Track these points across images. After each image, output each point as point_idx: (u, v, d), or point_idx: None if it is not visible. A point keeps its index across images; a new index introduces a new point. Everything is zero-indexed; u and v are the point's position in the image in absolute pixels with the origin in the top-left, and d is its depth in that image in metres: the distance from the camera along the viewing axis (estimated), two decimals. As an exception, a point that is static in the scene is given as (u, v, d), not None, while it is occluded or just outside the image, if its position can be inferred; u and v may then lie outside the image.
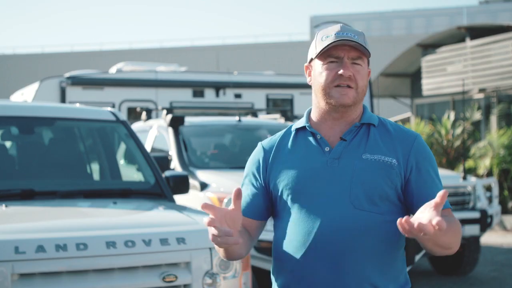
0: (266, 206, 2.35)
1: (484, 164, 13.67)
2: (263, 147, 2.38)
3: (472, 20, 55.24)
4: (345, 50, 2.23)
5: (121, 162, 5.98)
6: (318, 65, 2.28)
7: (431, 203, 1.96)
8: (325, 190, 2.22)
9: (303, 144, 2.31)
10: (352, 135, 2.27)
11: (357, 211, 2.20)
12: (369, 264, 2.20)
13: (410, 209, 2.27)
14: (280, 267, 2.30)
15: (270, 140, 2.39)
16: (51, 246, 3.62)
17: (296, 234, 2.24)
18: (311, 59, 2.31)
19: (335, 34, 2.24)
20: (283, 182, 2.29)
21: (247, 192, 2.36)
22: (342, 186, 2.21)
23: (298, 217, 2.26)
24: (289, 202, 2.28)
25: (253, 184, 2.36)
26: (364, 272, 2.19)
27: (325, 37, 2.25)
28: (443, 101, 17.82)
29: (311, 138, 2.31)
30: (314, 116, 2.33)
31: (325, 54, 2.25)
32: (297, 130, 2.35)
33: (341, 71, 2.21)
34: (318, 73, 2.27)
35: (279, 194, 2.30)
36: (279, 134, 2.40)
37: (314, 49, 2.29)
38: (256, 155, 2.39)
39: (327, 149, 2.27)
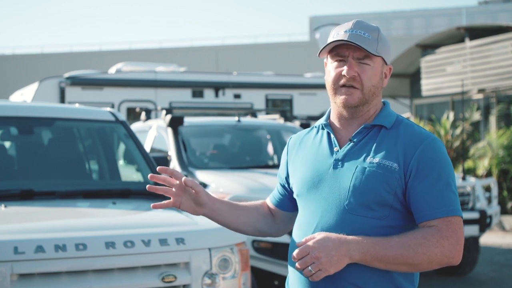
0: (290, 198, 2.40)
1: (483, 164, 13.66)
2: (289, 142, 2.44)
3: (471, 20, 55.26)
4: (350, 49, 2.19)
5: (120, 162, 5.98)
6: (329, 63, 2.25)
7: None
8: (325, 193, 2.20)
9: (318, 142, 2.31)
10: (361, 137, 2.22)
11: (351, 215, 2.14)
12: (365, 270, 2.12)
13: (413, 216, 2.17)
14: (289, 260, 2.31)
15: (297, 135, 2.43)
16: (50, 246, 3.62)
17: (298, 236, 2.23)
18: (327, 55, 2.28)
19: (344, 32, 2.19)
20: (296, 180, 2.32)
21: (278, 182, 2.47)
22: (341, 190, 2.17)
23: (302, 217, 2.27)
24: (298, 202, 2.31)
25: (280, 176, 2.46)
26: (360, 278, 2.12)
27: (336, 34, 2.21)
28: (443, 102, 17.81)
29: (326, 137, 2.29)
30: (332, 114, 2.32)
31: (333, 53, 2.22)
32: (318, 127, 2.34)
33: (344, 71, 2.19)
34: (327, 72, 2.25)
35: (293, 191, 2.35)
36: (308, 129, 2.42)
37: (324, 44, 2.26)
38: (284, 149, 2.46)
39: (336, 149, 2.24)
